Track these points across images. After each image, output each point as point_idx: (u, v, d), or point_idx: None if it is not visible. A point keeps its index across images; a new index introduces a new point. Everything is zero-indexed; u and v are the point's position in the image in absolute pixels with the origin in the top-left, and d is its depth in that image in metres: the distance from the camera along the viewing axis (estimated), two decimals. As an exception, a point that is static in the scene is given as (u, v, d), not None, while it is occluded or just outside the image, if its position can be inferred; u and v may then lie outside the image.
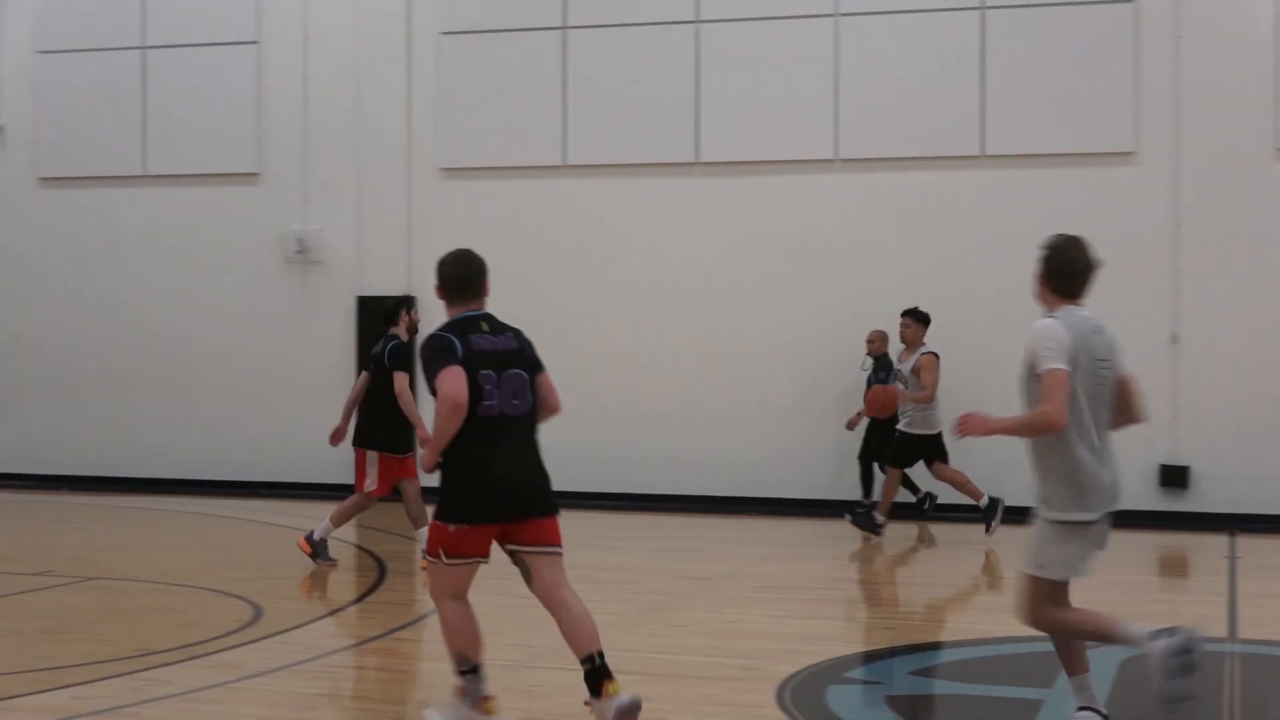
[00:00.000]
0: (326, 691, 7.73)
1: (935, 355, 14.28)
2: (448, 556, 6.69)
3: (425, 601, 10.72)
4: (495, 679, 7.89)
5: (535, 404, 6.89)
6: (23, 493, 17.75)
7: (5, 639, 9.14)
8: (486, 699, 6.84)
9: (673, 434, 16.35)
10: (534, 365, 6.92)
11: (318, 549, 11.84)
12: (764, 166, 16.27)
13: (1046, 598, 6.67)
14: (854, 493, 15.58)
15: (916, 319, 14.47)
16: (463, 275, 6.94)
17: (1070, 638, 6.75)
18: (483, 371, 6.67)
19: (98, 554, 12.75)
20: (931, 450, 14.24)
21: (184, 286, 17.93)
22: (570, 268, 16.73)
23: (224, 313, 17.72)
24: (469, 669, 6.75)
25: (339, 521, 11.84)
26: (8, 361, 18.64)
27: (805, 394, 16.04)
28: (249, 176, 17.86)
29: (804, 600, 11.12)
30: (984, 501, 13.99)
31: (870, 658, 8.71)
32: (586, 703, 6.68)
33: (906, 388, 14.24)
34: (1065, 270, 6.70)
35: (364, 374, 11.90)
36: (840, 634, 9.40)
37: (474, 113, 17.09)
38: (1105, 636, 6.71)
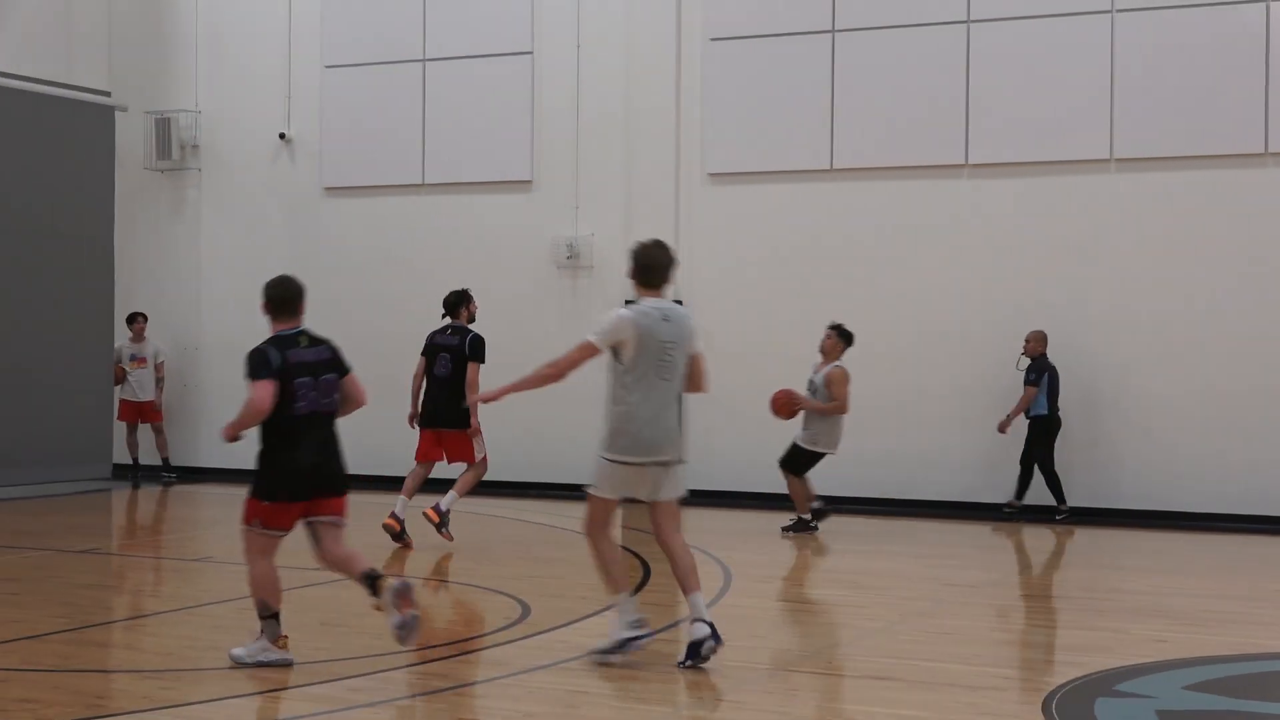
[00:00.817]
0: (591, 690, 7.86)
1: (845, 371, 14.26)
2: (264, 527, 8.17)
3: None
4: (754, 682, 7.94)
5: (342, 401, 8.41)
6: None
7: (287, 631, 9.51)
8: (282, 638, 8.19)
9: (938, 437, 16.17)
10: (343, 370, 8.47)
11: (444, 519, 13.02)
12: (1036, 168, 15.97)
13: (596, 514, 8.39)
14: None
15: (840, 335, 14.45)
16: (285, 296, 8.46)
17: (600, 559, 8.41)
18: (299, 379, 8.12)
19: (375, 551, 13.14)
20: (809, 465, 14.32)
21: (460, 292, 18.38)
22: (838, 271, 16.65)
23: (497, 317, 17.98)
24: (270, 615, 8.17)
25: (463, 492, 13.21)
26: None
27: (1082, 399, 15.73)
28: (522, 184, 18.25)
29: (1069, 609, 10.91)
30: (806, 515, 14.22)
31: (1141, 670, 8.49)
32: (377, 607, 8.10)
33: (815, 397, 14.20)
34: (646, 267, 8.41)
35: (422, 359, 13.65)
36: (1109, 645, 9.17)
37: (741, 118, 17.16)
38: (605, 576, 8.43)
